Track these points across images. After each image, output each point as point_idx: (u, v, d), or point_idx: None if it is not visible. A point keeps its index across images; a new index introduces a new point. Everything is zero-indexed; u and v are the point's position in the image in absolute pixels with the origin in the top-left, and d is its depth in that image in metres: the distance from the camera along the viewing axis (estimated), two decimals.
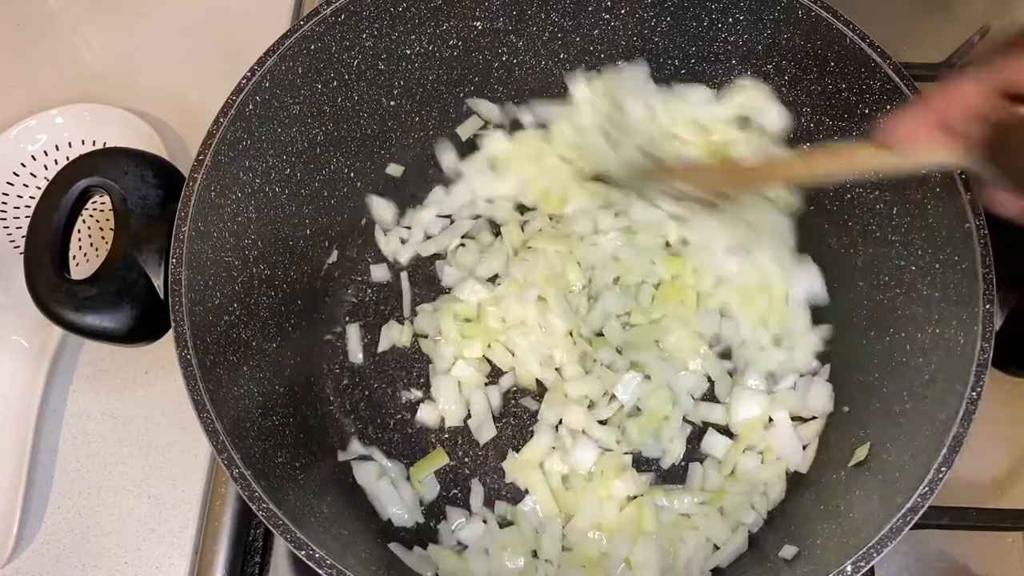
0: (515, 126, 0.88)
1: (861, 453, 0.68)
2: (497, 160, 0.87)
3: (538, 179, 0.86)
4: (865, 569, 0.55)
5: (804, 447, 0.76)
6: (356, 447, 0.77)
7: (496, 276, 0.83)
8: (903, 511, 0.55)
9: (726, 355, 0.80)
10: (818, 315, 0.81)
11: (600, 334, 0.81)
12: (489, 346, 0.80)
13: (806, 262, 0.81)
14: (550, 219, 0.86)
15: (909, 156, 0.51)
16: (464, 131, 0.87)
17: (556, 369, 0.80)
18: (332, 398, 0.80)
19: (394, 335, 0.82)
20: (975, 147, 0.46)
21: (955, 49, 0.88)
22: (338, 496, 0.74)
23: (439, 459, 0.76)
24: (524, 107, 0.87)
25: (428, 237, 0.87)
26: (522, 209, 0.87)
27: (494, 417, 0.78)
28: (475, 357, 0.80)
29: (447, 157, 0.87)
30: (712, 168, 0.77)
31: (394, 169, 0.86)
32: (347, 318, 0.83)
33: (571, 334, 0.80)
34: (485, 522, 0.74)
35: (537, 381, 0.80)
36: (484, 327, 0.80)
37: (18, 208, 0.87)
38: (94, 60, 0.99)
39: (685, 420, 0.78)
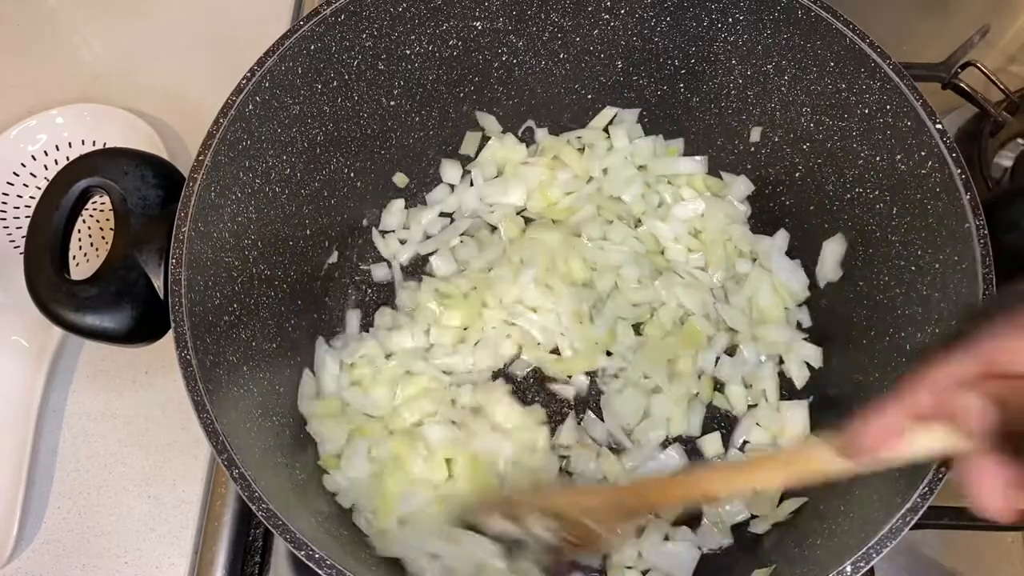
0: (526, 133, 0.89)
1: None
2: (505, 167, 0.88)
3: (545, 188, 0.87)
4: (865, 569, 0.54)
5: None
6: None
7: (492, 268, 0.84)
8: (903, 511, 0.55)
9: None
10: (818, 315, 0.82)
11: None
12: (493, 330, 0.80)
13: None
14: (553, 222, 0.86)
15: (884, 459, 0.45)
16: (467, 146, 0.88)
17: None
18: None
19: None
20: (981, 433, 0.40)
21: (955, 49, 0.88)
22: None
23: None
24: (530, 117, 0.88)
25: (428, 236, 0.87)
26: (527, 220, 0.88)
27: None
28: (452, 325, 0.80)
29: (449, 171, 0.88)
30: (582, 493, 0.67)
31: (400, 179, 0.87)
32: (347, 318, 0.83)
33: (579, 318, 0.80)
34: None
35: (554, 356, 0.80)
36: (468, 303, 0.80)
37: (18, 208, 0.87)
38: (94, 60, 0.99)
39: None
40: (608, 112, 0.88)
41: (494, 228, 0.87)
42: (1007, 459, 0.40)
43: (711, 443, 0.77)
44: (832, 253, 0.79)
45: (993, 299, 0.44)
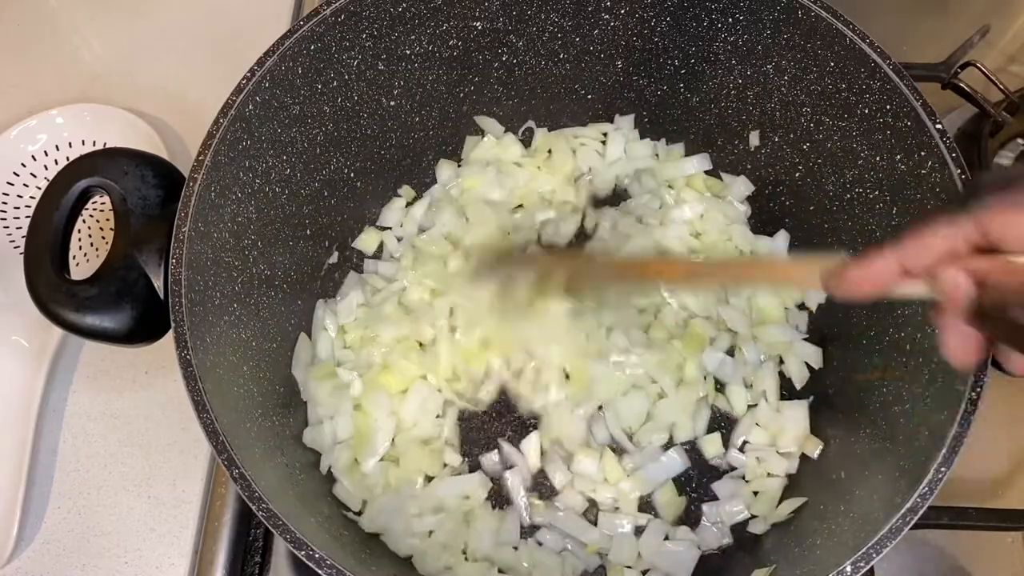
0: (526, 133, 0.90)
1: (869, 413, 0.69)
2: (500, 164, 0.88)
3: (535, 183, 0.87)
4: (865, 569, 0.55)
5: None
6: None
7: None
8: (903, 511, 0.55)
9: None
10: (818, 315, 0.82)
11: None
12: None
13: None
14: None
15: (860, 298, 0.47)
16: (467, 149, 0.89)
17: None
18: None
19: None
20: (959, 307, 0.43)
21: (955, 49, 0.88)
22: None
23: None
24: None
25: (423, 230, 0.87)
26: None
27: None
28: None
29: (445, 172, 0.88)
30: (601, 261, 0.70)
31: (406, 192, 0.88)
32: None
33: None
34: None
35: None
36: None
37: (18, 208, 0.87)
38: (94, 60, 0.99)
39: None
40: (608, 125, 0.88)
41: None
42: (977, 325, 0.43)
43: (711, 444, 0.77)
44: None
45: (993, 176, 0.44)
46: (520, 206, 0.87)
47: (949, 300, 0.43)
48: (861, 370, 0.73)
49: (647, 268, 0.58)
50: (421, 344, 0.80)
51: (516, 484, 0.75)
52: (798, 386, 0.80)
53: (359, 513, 0.73)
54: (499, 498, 0.76)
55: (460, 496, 0.74)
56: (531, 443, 0.77)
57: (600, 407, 0.78)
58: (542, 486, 0.76)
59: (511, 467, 0.77)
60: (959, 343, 0.44)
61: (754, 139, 0.82)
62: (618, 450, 0.77)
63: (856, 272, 0.46)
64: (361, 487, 0.74)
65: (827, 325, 0.81)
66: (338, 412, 0.76)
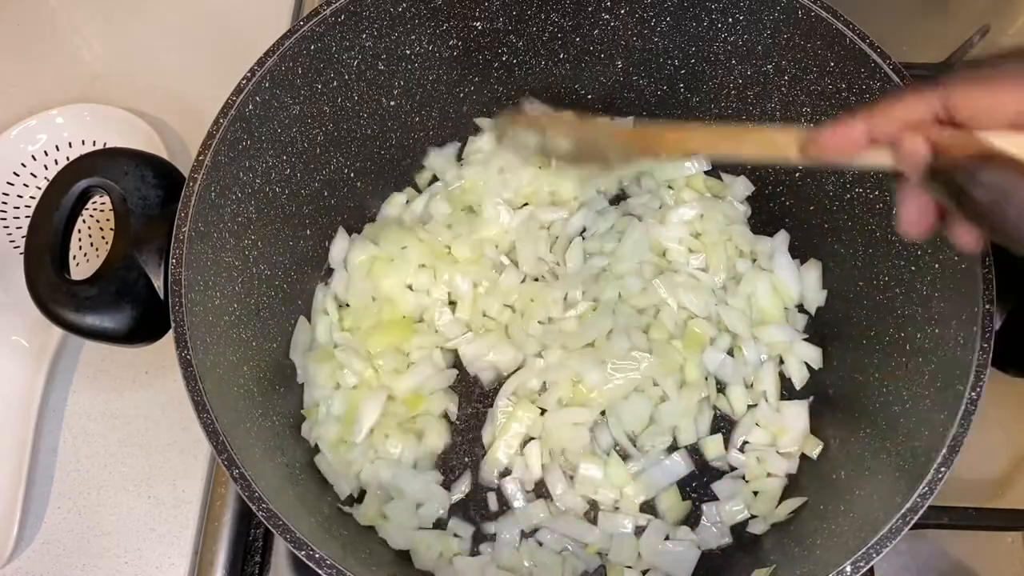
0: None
1: (869, 413, 0.69)
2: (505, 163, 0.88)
3: (540, 182, 0.87)
4: (865, 569, 0.55)
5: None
6: None
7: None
8: (903, 511, 0.55)
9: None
10: (818, 315, 0.82)
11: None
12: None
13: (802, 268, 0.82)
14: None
15: (834, 160, 0.49)
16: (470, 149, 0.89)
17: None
18: None
19: None
20: (914, 171, 0.46)
21: (955, 49, 0.88)
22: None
23: None
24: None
25: (423, 223, 0.87)
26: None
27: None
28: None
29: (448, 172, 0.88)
30: (597, 125, 0.70)
31: (408, 193, 0.88)
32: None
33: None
34: None
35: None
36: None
37: (18, 208, 0.87)
38: (94, 60, 0.99)
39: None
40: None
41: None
42: (932, 192, 0.45)
43: (713, 445, 0.77)
44: (810, 279, 0.81)
45: (964, 63, 0.47)
46: (526, 204, 0.87)
47: (907, 164, 0.45)
48: (861, 370, 0.73)
49: (647, 138, 0.60)
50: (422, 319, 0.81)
51: (514, 491, 0.75)
52: (798, 386, 0.80)
53: (349, 501, 0.73)
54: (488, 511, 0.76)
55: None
56: (532, 453, 0.76)
57: (603, 412, 0.78)
58: (541, 488, 0.76)
59: (507, 474, 0.76)
60: (914, 214, 0.47)
61: None
62: (622, 454, 0.77)
63: (827, 135, 0.48)
64: (343, 462, 0.74)
65: (827, 325, 0.81)
66: (334, 392, 0.76)
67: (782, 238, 0.84)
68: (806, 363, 0.80)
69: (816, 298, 0.81)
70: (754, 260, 0.84)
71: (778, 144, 0.51)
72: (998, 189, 0.40)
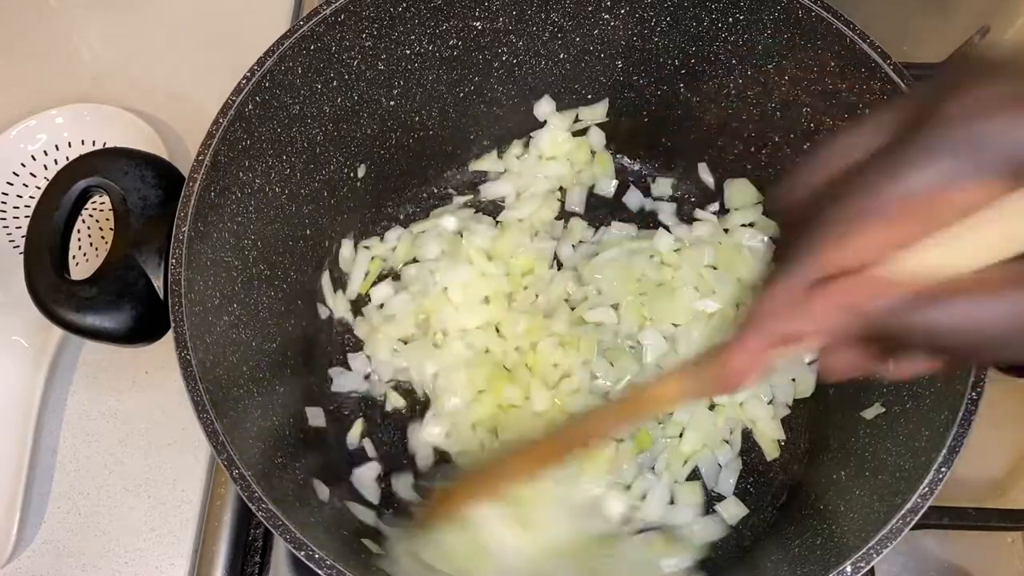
0: None
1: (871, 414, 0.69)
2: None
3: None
4: (865, 569, 0.55)
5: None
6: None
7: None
8: (903, 511, 0.55)
9: None
10: None
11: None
12: None
13: None
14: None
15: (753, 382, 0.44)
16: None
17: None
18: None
19: None
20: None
21: (955, 49, 0.88)
22: (338, 496, 0.74)
23: None
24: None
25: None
26: None
27: None
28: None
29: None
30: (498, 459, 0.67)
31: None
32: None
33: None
34: None
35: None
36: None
37: (18, 208, 0.87)
38: (94, 60, 0.99)
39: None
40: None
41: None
42: (854, 346, 0.40)
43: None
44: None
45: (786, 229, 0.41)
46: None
47: (826, 339, 0.39)
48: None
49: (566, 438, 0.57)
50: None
51: None
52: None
53: None
54: None
55: None
56: None
57: None
58: None
59: None
60: (841, 368, 0.42)
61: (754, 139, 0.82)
62: None
63: (733, 362, 0.41)
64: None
65: None
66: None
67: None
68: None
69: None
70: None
71: (694, 393, 0.46)
72: (926, 327, 0.35)
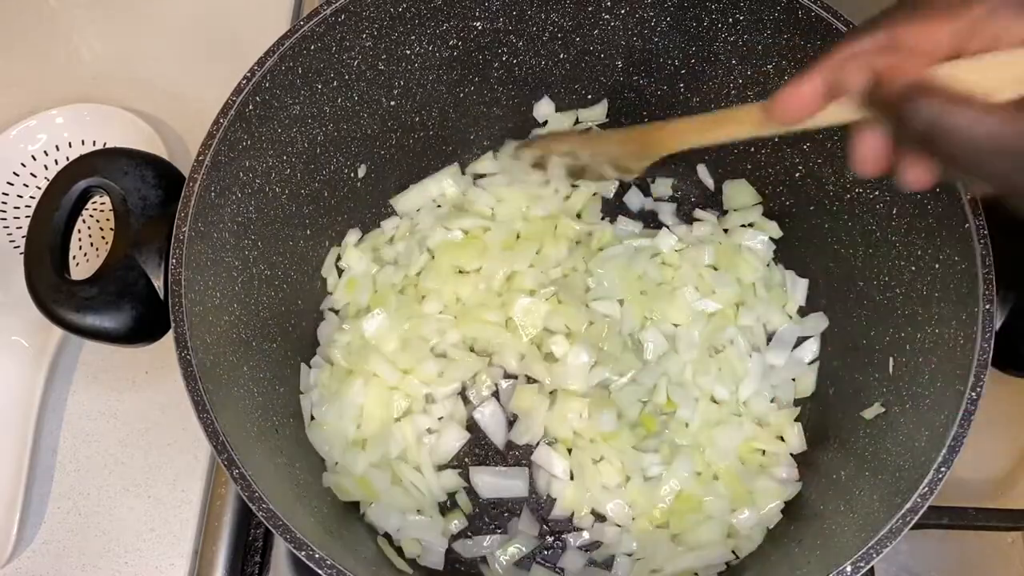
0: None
1: (871, 414, 0.70)
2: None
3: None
4: (865, 569, 0.55)
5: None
6: None
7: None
8: (903, 511, 0.55)
9: None
10: (818, 316, 0.82)
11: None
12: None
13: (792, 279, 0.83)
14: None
15: (803, 123, 0.49)
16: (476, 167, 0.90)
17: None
18: None
19: None
20: (866, 103, 0.45)
21: None
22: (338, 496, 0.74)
23: None
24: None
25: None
26: None
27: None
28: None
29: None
30: (597, 136, 0.74)
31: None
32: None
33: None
34: None
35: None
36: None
37: (18, 208, 0.87)
38: (94, 60, 0.99)
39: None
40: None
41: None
42: (884, 132, 0.45)
43: None
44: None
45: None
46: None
47: (851, 91, 0.45)
48: (861, 370, 0.73)
49: (644, 137, 0.62)
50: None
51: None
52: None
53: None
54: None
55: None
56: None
57: None
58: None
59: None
60: (866, 151, 0.47)
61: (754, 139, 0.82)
62: None
63: (786, 96, 0.48)
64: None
65: (828, 325, 0.81)
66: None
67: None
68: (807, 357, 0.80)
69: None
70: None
71: (747, 120, 0.52)
72: (931, 116, 0.40)
